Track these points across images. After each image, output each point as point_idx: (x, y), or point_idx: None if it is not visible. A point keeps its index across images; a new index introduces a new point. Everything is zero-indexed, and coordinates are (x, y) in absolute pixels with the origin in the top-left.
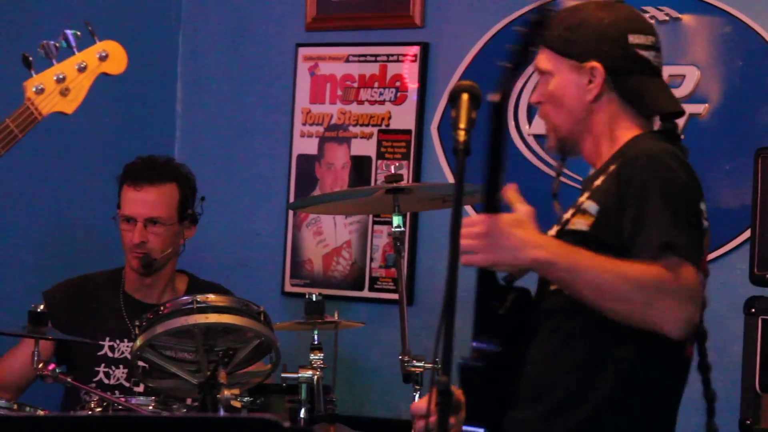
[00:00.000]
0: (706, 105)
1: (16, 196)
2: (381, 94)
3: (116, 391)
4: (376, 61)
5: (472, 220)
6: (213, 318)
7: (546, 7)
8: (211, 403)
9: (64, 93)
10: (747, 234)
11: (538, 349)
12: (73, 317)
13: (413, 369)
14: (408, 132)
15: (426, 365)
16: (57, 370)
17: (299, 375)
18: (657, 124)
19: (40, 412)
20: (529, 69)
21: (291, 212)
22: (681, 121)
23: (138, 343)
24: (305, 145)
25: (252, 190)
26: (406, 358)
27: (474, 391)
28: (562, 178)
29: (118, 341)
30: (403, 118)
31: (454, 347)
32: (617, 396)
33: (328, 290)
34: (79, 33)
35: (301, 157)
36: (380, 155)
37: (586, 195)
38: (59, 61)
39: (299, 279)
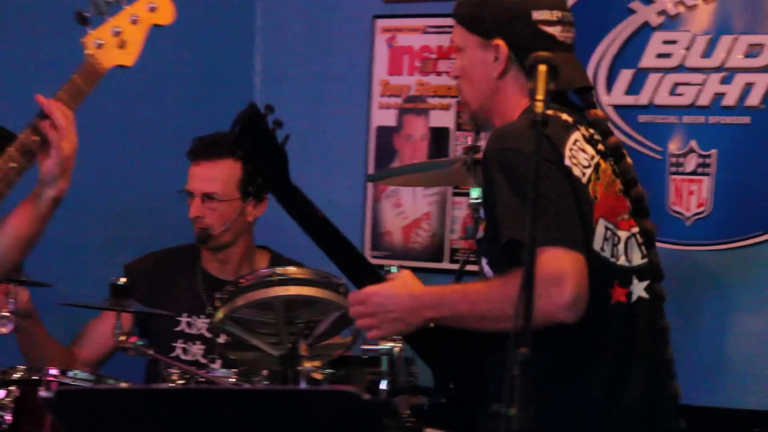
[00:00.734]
0: None
1: (96, 168)
2: None
3: (193, 368)
4: None
5: (356, 299)
6: (293, 290)
7: (254, 105)
8: (293, 376)
9: (122, 46)
10: None
11: None
12: (151, 292)
13: None
14: None
15: None
16: (140, 342)
17: (380, 347)
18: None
19: (123, 385)
20: None
21: (370, 184)
22: (758, 90)
23: (219, 315)
24: (384, 117)
25: (331, 163)
26: None
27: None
28: None
29: (194, 317)
30: None
31: None
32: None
33: (407, 262)
34: None
35: (380, 128)
36: (458, 127)
37: None
38: (111, 16)
39: (379, 251)
